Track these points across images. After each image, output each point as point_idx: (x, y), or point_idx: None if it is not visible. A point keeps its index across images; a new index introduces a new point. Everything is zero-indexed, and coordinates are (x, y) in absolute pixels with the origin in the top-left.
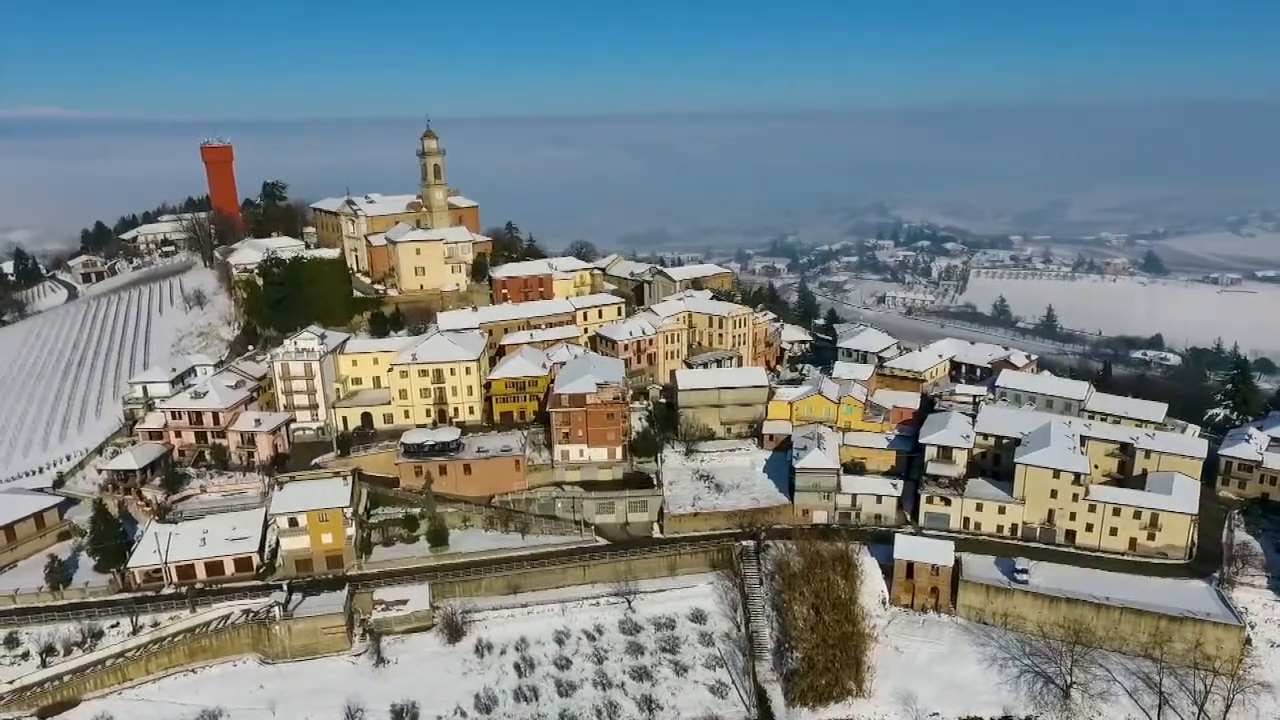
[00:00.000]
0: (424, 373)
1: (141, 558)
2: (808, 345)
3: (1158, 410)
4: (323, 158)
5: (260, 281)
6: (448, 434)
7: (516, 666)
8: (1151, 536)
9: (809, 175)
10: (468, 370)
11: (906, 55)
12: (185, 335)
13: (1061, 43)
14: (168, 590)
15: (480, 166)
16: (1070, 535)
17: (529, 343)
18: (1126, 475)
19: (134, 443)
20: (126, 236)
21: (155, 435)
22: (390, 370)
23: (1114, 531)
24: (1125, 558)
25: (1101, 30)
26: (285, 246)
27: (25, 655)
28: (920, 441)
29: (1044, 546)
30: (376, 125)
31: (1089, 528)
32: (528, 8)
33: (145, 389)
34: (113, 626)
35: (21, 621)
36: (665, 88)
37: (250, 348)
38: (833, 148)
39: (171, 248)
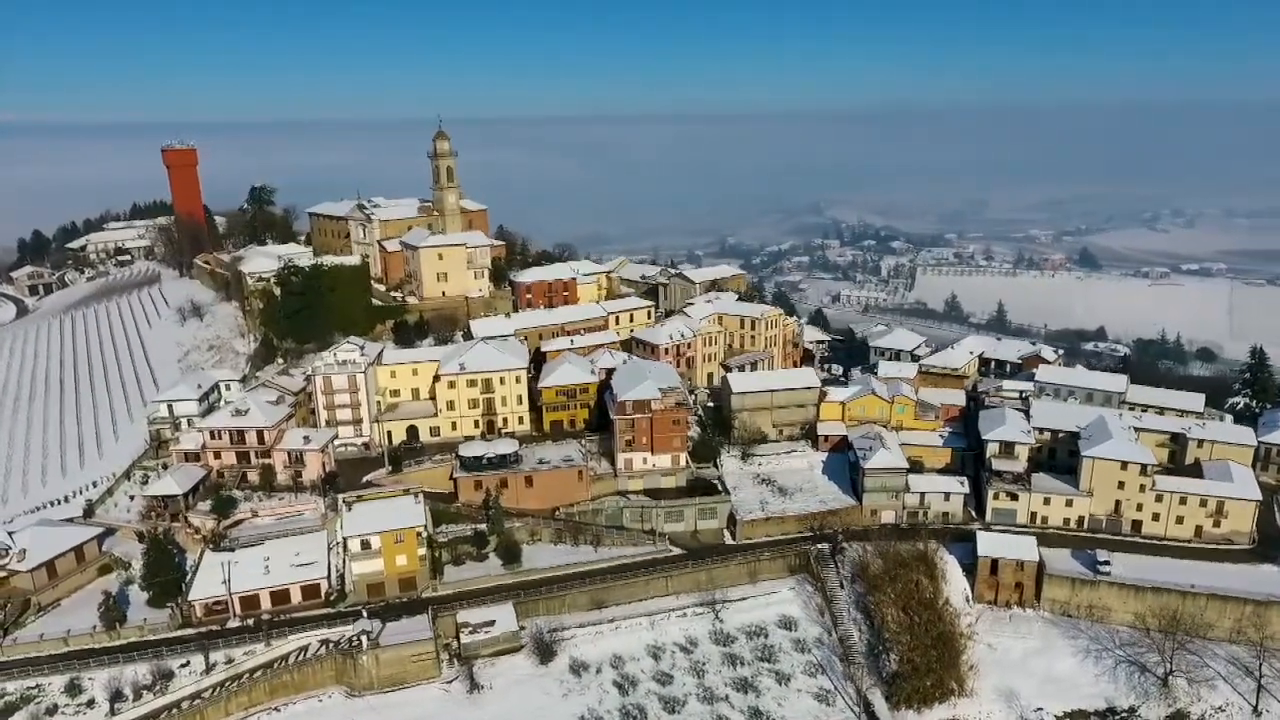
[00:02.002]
0: (472, 383)
1: (202, 589)
2: (824, 345)
3: (1196, 400)
4: (258, 159)
5: (277, 291)
6: (506, 445)
7: (617, 685)
8: (1217, 524)
9: (743, 177)
10: (517, 379)
11: (831, 59)
12: (191, 349)
13: (977, 46)
14: (233, 623)
15: (407, 168)
16: (1136, 525)
17: (570, 349)
18: (1178, 465)
19: (164, 465)
20: (75, 245)
21: (191, 457)
22: (437, 380)
23: (1180, 520)
24: (1191, 545)
25: (1014, 34)
26: (295, 254)
27: (91, 703)
28: (984, 438)
29: (1111, 537)
30: (304, 128)
31: (1155, 517)
32: (460, 9)
33: (171, 408)
34: (183, 666)
35: (81, 666)
36: (597, 90)
37: (281, 360)
38: (765, 150)
39: (127, 256)
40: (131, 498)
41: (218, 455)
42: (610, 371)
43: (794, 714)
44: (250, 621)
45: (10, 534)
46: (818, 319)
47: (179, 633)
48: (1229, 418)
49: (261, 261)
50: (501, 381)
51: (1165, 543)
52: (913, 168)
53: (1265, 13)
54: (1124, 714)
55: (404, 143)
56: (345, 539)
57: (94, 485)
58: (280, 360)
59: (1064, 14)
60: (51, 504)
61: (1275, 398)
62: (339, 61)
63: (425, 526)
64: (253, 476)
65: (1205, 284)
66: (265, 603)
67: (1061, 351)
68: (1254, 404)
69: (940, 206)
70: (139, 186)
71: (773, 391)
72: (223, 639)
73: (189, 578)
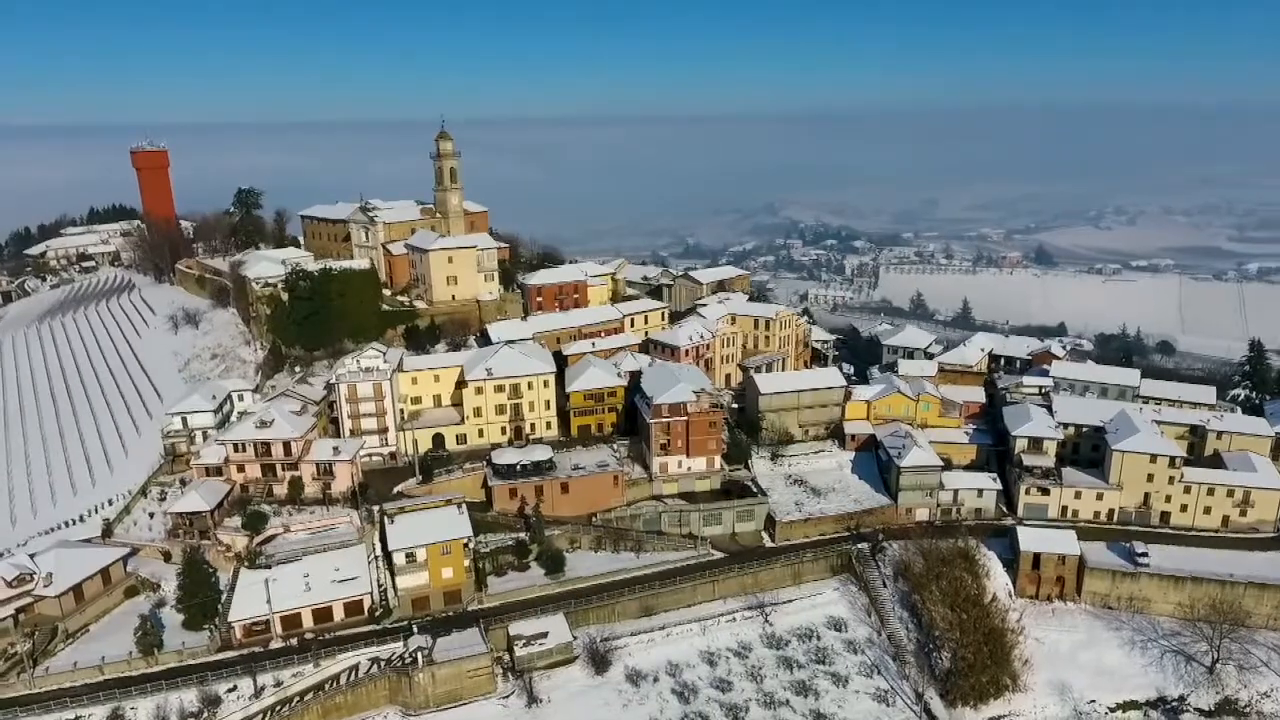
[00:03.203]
0: (500, 388)
1: (242, 609)
2: (828, 344)
3: (1208, 393)
4: (211, 161)
5: (285, 296)
6: (541, 452)
7: (676, 693)
8: (1243, 513)
9: (697, 178)
10: (545, 384)
11: (780, 61)
12: (191, 359)
13: (922, 51)
14: (275, 644)
15: (353, 170)
16: (1165, 517)
17: (591, 352)
18: (1198, 456)
19: (182, 481)
20: (34, 252)
21: (213, 471)
22: (460, 387)
23: (1207, 510)
24: (1219, 535)
25: (954, 37)
26: (297, 258)
27: None
28: (1013, 434)
29: (1140, 529)
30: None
31: (1183, 508)
32: (407, 8)
33: (185, 420)
34: (229, 691)
35: (122, 694)
36: (546, 91)
37: (299, 369)
38: (718, 151)
39: (92, 263)
40: (151, 515)
41: (241, 469)
42: (634, 374)
43: (855, 715)
44: (293, 641)
45: (31, 557)
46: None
47: (220, 656)
48: (1238, 410)
49: (265, 266)
50: (529, 386)
51: (1193, 533)
52: (863, 169)
53: (1194, 18)
54: (1174, 703)
55: (350, 145)
56: (390, 552)
57: (109, 503)
58: (298, 369)
59: (1003, 18)
60: (66, 524)
61: (1274, 389)
62: (261, 63)
63: (471, 537)
64: (279, 490)
65: (1155, 280)
66: (307, 621)
67: (1069, 346)
68: (1254, 395)
69: (892, 206)
70: (92, 190)
71: (799, 392)
72: (270, 660)
73: (225, 598)
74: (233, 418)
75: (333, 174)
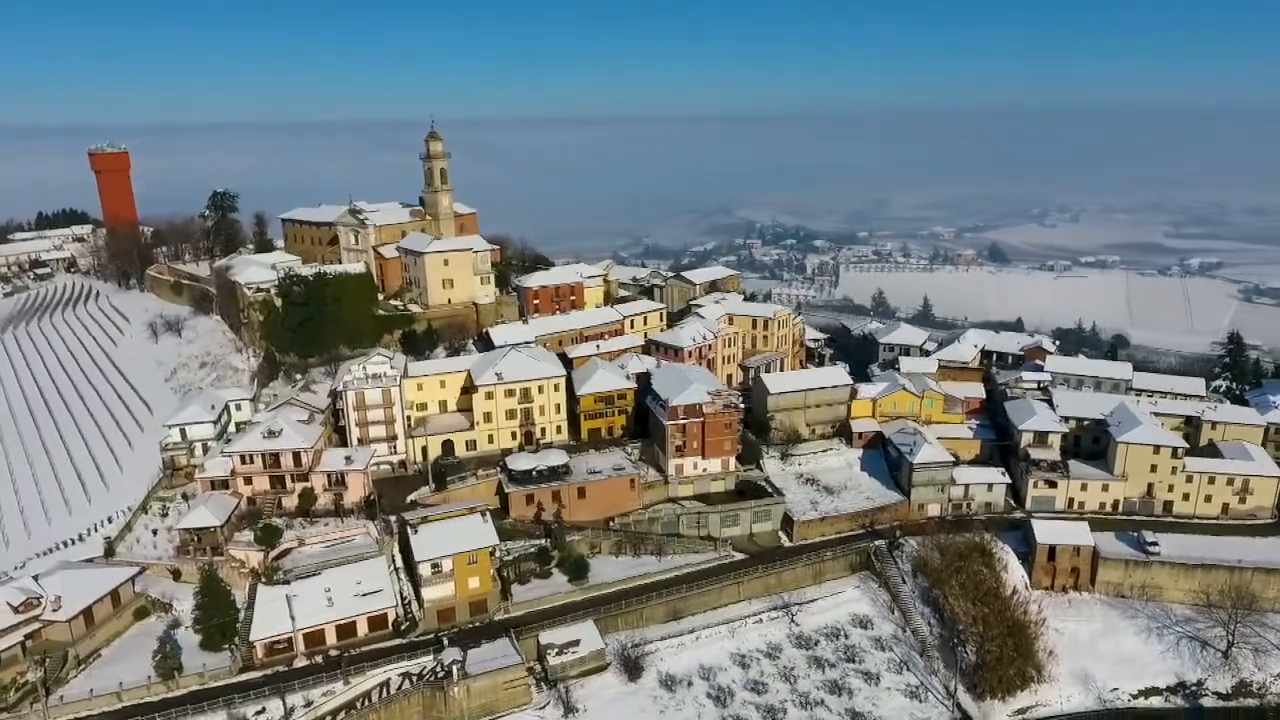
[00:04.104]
0: (510, 392)
1: (264, 628)
2: (820, 343)
3: (1198, 385)
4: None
5: (279, 302)
6: (557, 457)
7: (712, 697)
8: (1242, 500)
9: (650, 179)
10: (556, 387)
11: (732, 62)
12: (178, 368)
13: (865, 54)
14: (299, 662)
15: (309, 171)
16: (1167, 506)
17: (596, 354)
18: (1193, 446)
19: (184, 495)
20: None
21: (219, 484)
22: (467, 392)
23: (1208, 499)
24: (1219, 522)
25: (894, 41)
26: (284, 262)
27: None
28: (1020, 428)
29: (1144, 518)
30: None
31: (1185, 497)
32: (356, 7)
33: (184, 432)
34: (259, 713)
35: None
36: (496, 92)
37: (299, 376)
38: (669, 153)
39: (46, 269)
40: (155, 532)
41: (249, 481)
42: (640, 376)
43: (889, 713)
44: (318, 659)
45: (35, 579)
46: None
47: (243, 677)
48: (1226, 401)
49: (256, 271)
50: (540, 390)
51: (1194, 521)
52: (813, 169)
53: (1118, 18)
54: (1193, 688)
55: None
56: (416, 563)
57: (109, 521)
58: (298, 376)
59: (938, 20)
60: (65, 544)
61: (1252, 380)
62: (197, 65)
63: (497, 546)
64: (288, 502)
65: (1104, 275)
66: (330, 637)
67: (1058, 342)
68: (1234, 386)
69: (844, 206)
70: (41, 193)
71: (806, 391)
72: (298, 680)
73: (243, 615)
74: (230, 428)
75: (273, 176)
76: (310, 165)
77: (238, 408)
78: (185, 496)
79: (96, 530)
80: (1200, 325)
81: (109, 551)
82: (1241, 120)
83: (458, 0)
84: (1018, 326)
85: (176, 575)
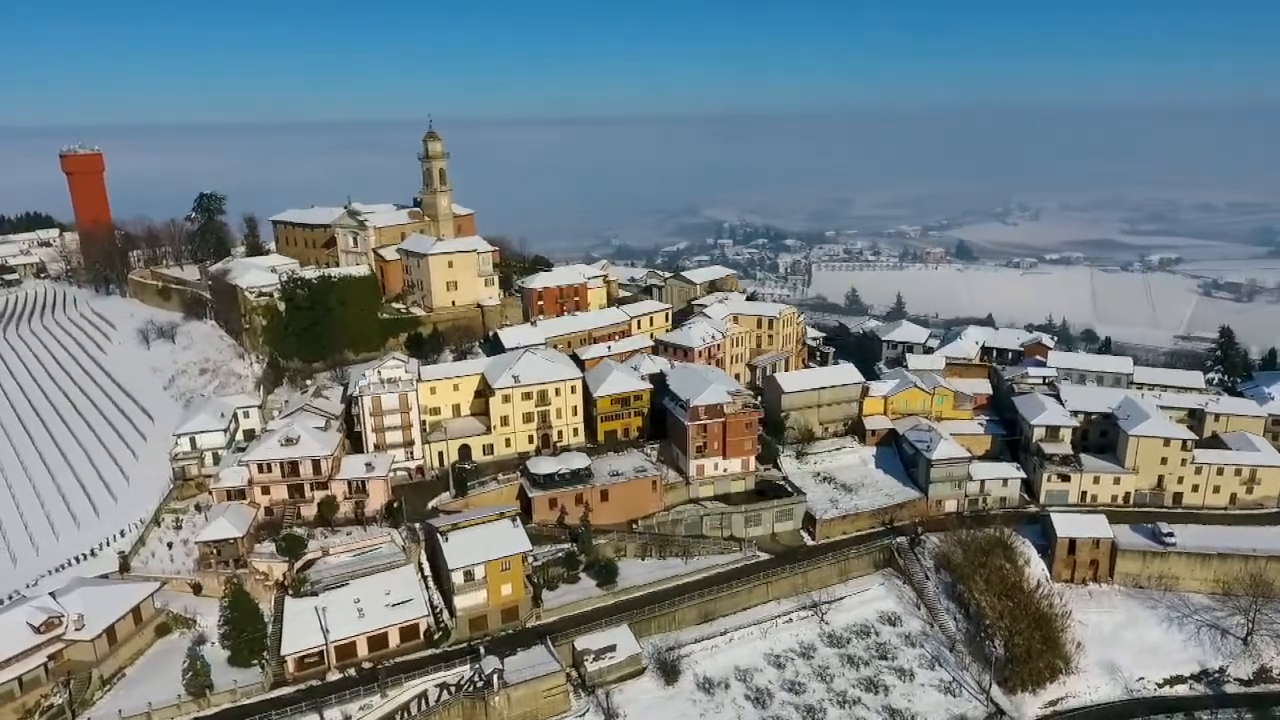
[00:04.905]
0: (527, 395)
1: (295, 641)
2: (818, 340)
3: (1196, 378)
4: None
5: (282, 306)
6: (579, 460)
7: (753, 700)
8: (1250, 490)
9: (614, 179)
10: (573, 389)
11: (690, 63)
12: (175, 375)
13: (822, 55)
14: (333, 676)
15: (268, 172)
16: (1177, 497)
17: (608, 355)
18: (1199, 438)
19: (198, 506)
20: None
21: (235, 494)
22: (480, 396)
23: (1216, 489)
24: (1227, 512)
25: (849, 42)
26: (284, 265)
27: None
28: (1032, 423)
29: (1155, 510)
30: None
31: (1194, 488)
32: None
33: (194, 441)
34: None
35: None
36: (465, 92)
37: (307, 382)
38: (633, 153)
39: (14, 276)
40: (170, 545)
41: (266, 490)
42: (653, 377)
43: (925, 708)
44: (351, 672)
45: (52, 596)
46: None
47: (276, 693)
48: (1223, 393)
49: (257, 275)
50: (557, 393)
51: (1203, 511)
52: (776, 169)
53: (1064, 25)
54: (1215, 675)
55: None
56: (450, 571)
57: (121, 534)
58: (307, 381)
59: (890, 24)
60: (76, 560)
61: (1243, 372)
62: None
63: (530, 551)
64: (306, 512)
65: (1068, 271)
66: (362, 650)
67: (1055, 338)
68: (1226, 378)
69: (808, 205)
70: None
71: (819, 390)
72: (335, 694)
73: (271, 629)
74: (238, 436)
75: (234, 177)
76: (273, 166)
77: (245, 415)
78: (198, 508)
79: (109, 545)
80: (1163, 319)
81: (124, 566)
82: (1188, 120)
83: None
84: (990, 322)
85: (197, 589)
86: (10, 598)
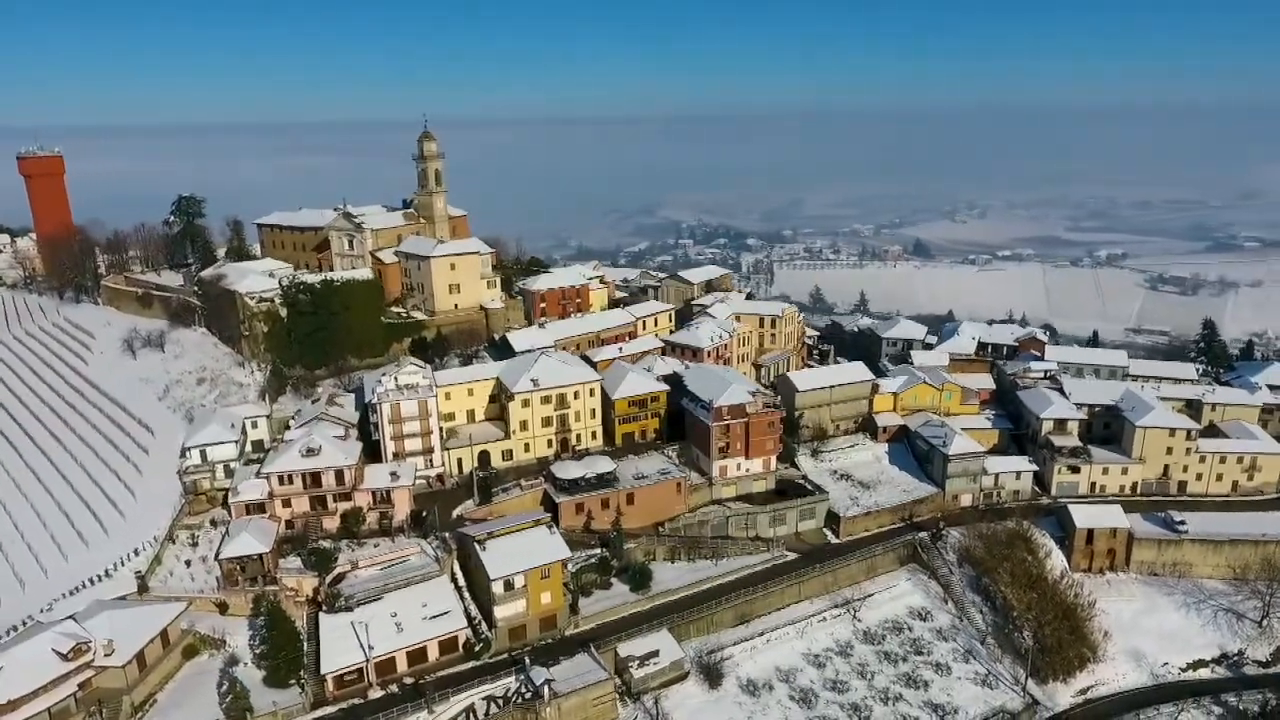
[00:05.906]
0: (546, 399)
1: (335, 659)
2: (814, 339)
3: (1189, 369)
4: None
5: (284, 312)
6: (604, 464)
7: (798, 700)
8: (1250, 477)
9: (567, 180)
10: (591, 392)
11: (641, 63)
12: (170, 385)
13: (767, 56)
14: (375, 694)
15: (222, 174)
16: (1181, 485)
17: (620, 357)
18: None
19: (213, 521)
20: None
21: (255, 508)
22: (496, 400)
23: (1219, 477)
24: (1230, 499)
25: (796, 43)
26: (279, 269)
27: None
28: (1041, 416)
29: (1161, 498)
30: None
31: (1198, 477)
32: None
33: (205, 453)
34: None
35: None
36: (420, 94)
37: (318, 388)
38: (586, 154)
39: None
40: (188, 563)
41: (287, 503)
42: (667, 378)
43: (964, 701)
44: (392, 689)
45: (73, 619)
46: None
47: (319, 713)
48: (1215, 384)
49: (256, 280)
50: (575, 396)
51: (1207, 499)
52: (727, 170)
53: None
54: (1235, 657)
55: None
56: (490, 580)
57: (135, 553)
58: (318, 387)
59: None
60: (91, 581)
61: (1226, 363)
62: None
63: (569, 558)
64: (329, 524)
65: (1021, 268)
66: (401, 665)
67: (1048, 333)
68: (1210, 369)
69: (761, 205)
70: None
71: (832, 388)
72: (382, 713)
73: (307, 647)
74: (247, 448)
75: (186, 182)
76: (222, 168)
77: (254, 425)
78: (214, 522)
79: (124, 564)
80: (1113, 313)
81: (142, 587)
82: (1121, 121)
83: None
84: (950, 318)
85: (223, 608)
86: (24, 623)
